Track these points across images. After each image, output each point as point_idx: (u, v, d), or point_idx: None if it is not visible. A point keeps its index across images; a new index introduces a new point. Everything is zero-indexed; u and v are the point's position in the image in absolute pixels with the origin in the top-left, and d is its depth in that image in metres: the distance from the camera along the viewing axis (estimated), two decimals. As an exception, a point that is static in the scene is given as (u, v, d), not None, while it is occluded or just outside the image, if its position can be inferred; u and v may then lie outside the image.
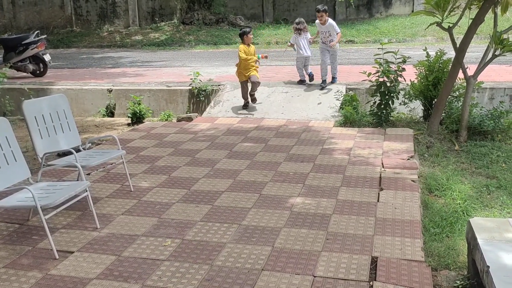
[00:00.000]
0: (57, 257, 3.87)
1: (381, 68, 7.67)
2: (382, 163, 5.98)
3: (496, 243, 3.16)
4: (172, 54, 18.11)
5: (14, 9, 24.24)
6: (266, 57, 9.57)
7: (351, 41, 19.41)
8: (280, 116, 8.73)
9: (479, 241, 3.20)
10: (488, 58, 6.88)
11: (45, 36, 14.05)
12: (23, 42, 12.80)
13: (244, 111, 9.04)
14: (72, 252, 3.97)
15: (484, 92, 8.96)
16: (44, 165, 4.79)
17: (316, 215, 4.54)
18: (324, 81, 9.69)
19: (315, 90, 9.65)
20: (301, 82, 10.13)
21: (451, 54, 7.43)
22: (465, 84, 7.15)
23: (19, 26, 23.40)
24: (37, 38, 12.91)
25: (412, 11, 21.11)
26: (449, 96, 7.40)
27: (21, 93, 10.58)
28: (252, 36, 9.14)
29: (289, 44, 10.09)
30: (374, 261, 3.70)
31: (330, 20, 9.51)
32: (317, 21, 9.66)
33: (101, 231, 4.34)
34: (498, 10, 6.82)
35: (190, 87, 10.24)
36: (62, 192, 4.18)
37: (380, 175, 5.60)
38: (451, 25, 6.86)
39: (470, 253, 3.44)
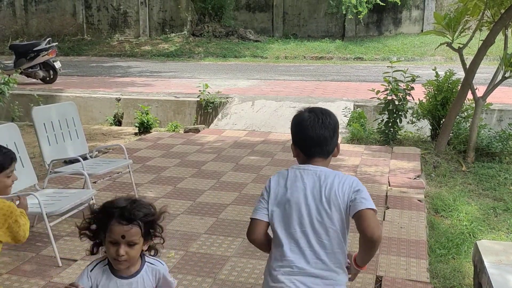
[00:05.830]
0: (61, 264, 3.86)
1: (390, 86, 7.67)
2: (389, 181, 5.95)
3: (504, 267, 3.13)
4: (181, 65, 18.20)
5: (27, 16, 24.50)
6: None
7: (360, 58, 19.46)
8: (287, 130, 8.70)
9: (486, 264, 3.16)
10: (497, 80, 6.87)
11: (56, 43, 14.18)
12: (34, 49, 12.90)
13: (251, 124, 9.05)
14: (76, 260, 3.96)
15: (493, 113, 8.93)
16: (51, 172, 4.81)
17: (321, 232, 4.51)
18: None
19: (323, 106, 9.65)
20: None
21: (460, 74, 7.42)
22: (473, 105, 7.14)
23: (31, 32, 23.62)
24: (48, 45, 13.01)
25: (422, 30, 21.17)
26: (458, 117, 7.38)
27: (30, 99, 10.64)
28: None
29: None
30: (378, 281, 3.67)
31: None
32: None
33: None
34: (509, 32, 6.84)
35: (198, 99, 10.28)
36: (68, 199, 4.19)
37: (387, 193, 5.58)
38: (461, 45, 6.86)
39: (476, 276, 3.40)
